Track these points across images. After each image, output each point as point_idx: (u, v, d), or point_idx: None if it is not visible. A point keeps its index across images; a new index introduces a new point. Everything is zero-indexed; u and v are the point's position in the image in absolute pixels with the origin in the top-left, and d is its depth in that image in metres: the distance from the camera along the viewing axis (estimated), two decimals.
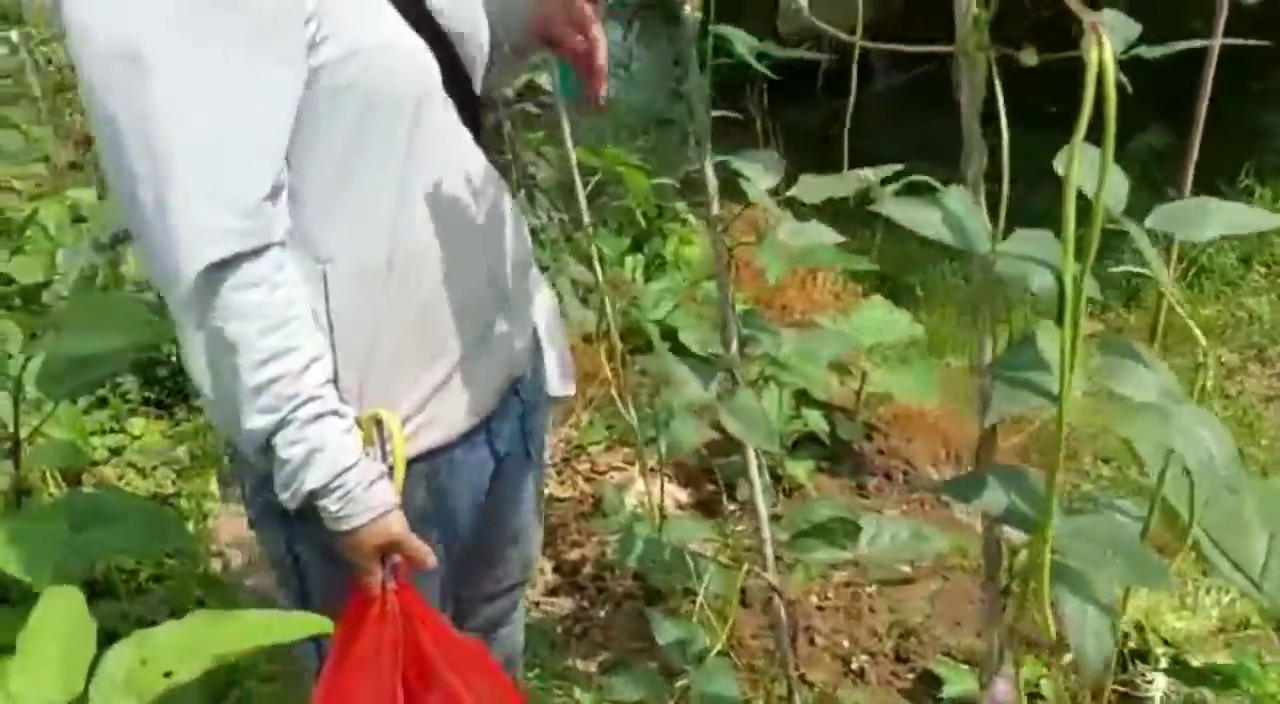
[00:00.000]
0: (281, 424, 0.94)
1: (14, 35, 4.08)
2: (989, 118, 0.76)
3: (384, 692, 1.04)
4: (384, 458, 1.03)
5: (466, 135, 1.11)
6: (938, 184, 0.80)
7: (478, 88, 1.14)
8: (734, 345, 1.36)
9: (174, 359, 2.68)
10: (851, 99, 1.18)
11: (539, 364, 1.29)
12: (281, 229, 0.94)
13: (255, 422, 0.94)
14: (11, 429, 1.45)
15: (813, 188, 1.12)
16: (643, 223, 2.98)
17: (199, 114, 0.87)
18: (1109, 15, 0.80)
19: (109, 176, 0.93)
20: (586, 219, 1.99)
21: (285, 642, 1.03)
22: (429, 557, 1.05)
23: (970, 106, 0.83)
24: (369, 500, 0.98)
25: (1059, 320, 0.71)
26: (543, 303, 1.30)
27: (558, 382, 1.31)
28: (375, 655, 1.04)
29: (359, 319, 1.01)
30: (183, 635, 1.03)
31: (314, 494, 0.96)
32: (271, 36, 0.89)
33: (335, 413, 0.97)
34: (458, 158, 1.09)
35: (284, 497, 0.97)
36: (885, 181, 0.93)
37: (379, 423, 1.02)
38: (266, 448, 0.96)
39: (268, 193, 0.92)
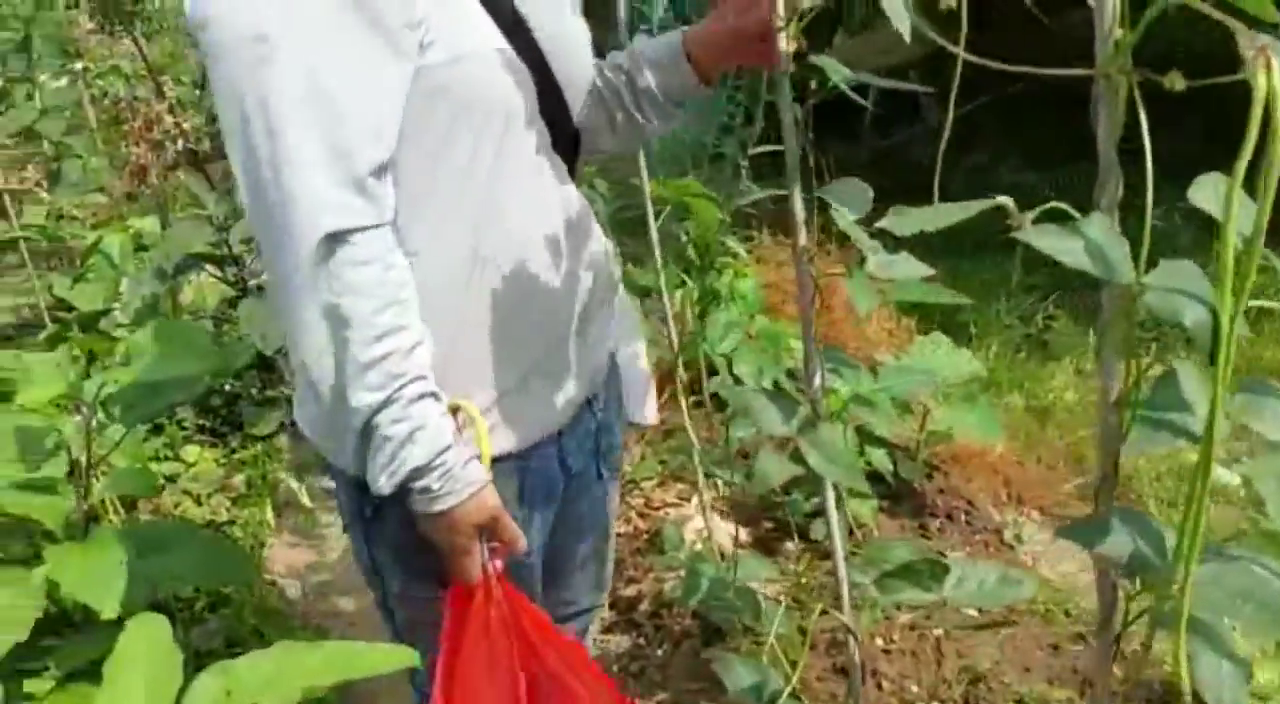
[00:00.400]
0: (387, 401, 0.95)
1: (77, 66, 4.14)
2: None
3: (503, 675, 1.01)
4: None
5: (554, 154, 1.11)
6: (1073, 211, 0.77)
7: (574, 114, 1.14)
8: (817, 379, 1.33)
9: (228, 388, 2.69)
10: (946, 132, 1.14)
11: (618, 387, 1.29)
12: (392, 210, 0.97)
13: (362, 398, 0.95)
14: (82, 455, 1.44)
15: (907, 221, 1.09)
16: (694, 256, 2.96)
17: (318, 95, 0.91)
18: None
19: (232, 162, 0.96)
20: (658, 251, 1.98)
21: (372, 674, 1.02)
22: (521, 538, 1.05)
23: (1107, 133, 0.80)
24: (467, 477, 0.99)
25: (1211, 359, 0.68)
26: (627, 327, 1.31)
27: (639, 407, 1.30)
28: (487, 639, 1.03)
29: (438, 314, 1.02)
30: (268, 667, 1.01)
31: (416, 472, 0.96)
32: (386, 33, 0.93)
33: (435, 395, 0.99)
34: (545, 176, 1.10)
35: (381, 480, 0.97)
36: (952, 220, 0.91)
37: (456, 411, 1.02)
38: (366, 428, 0.96)
39: (380, 173, 0.95)
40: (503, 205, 1.04)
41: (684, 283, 3.05)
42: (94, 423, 1.39)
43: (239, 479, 2.41)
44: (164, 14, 8.19)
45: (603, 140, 1.23)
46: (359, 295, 0.94)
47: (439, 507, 0.98)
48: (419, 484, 0.97)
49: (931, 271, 1.25)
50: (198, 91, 5.39)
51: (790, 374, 2.58)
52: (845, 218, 1.14)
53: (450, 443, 0.98)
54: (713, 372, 2.53)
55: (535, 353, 1.11)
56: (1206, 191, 0.77)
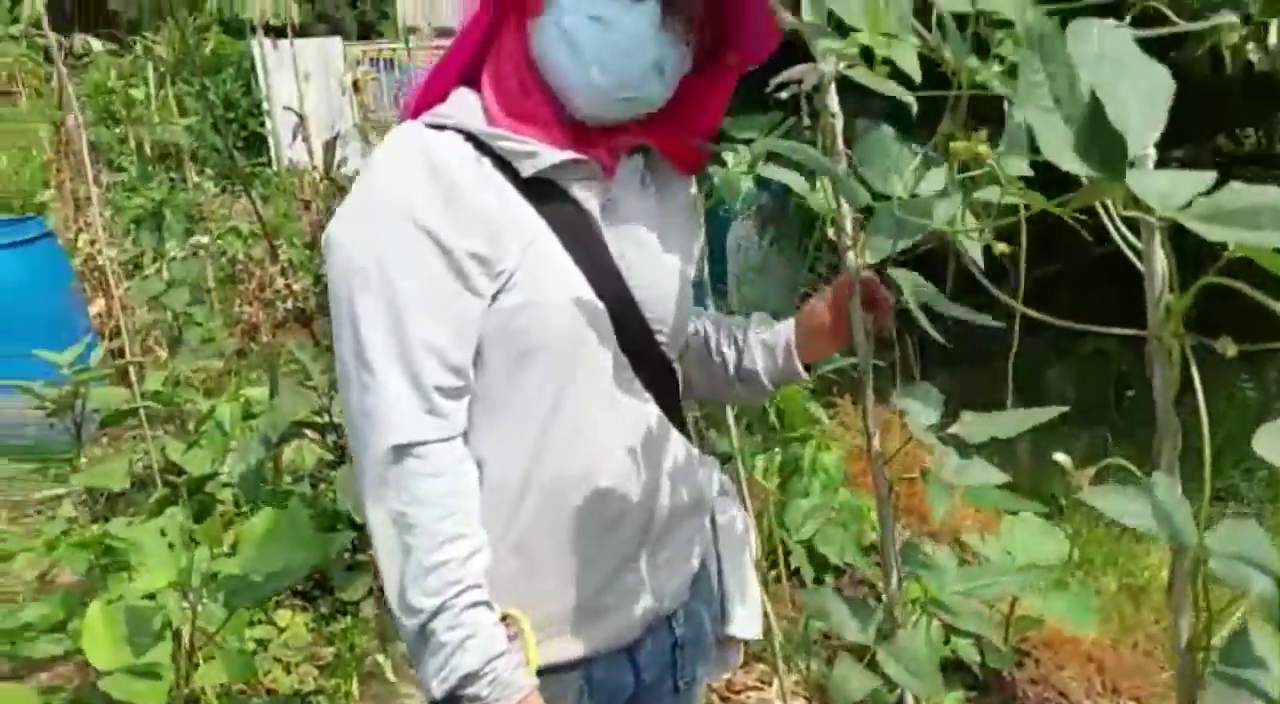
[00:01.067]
0: (443, 607, 1.01)
1: (203, 239, 4.46)
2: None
3: None
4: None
5: (636, 384, 1.16)
6: (1134, 469, 0.80)
7: (665, 342, 1.20)
8: (894, 581, 1.33)
9: None
10: (1019, 310, 1.18)
11: (711, 599, 1.31)
12: (462, 425, 1.06)
13: (420, 601, 1.02)
14: (185, 638, 1.51)
15: (978, 427, 1.12)
16: (776, 424, 2.99)
17: (397, 326, 1.02)
18: None
19: (338, 364, 1.08)
20: (734, 426, 2.01)
21: None
22: None
23: (1163, 393, 0.84)
24: (516, 682, 1.02)
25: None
26: (733, 539, 1.33)
27: (741, 622, 1.32)
28: None
29: (498, 525, 1.08)
30: None
31: (467, 678, 1.01)
32: (465, 274, 1.04)
33: (488, 604, 1.04)
34: (616, 408, 1.14)
35: (434, 684, 1.02)
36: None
37: (505, 619, 1.06)
38: (423, 630, 1.02)
39: (454, 393, 1.05)
40: (563, 432, 1.10)
41: (767, 450, 3.08)
42: (199, 608, 1.47)
43: (327, 649, 2.46)
44: (281, 177, 8.80)
45: (694, 389, 1.31)
46: (424, 505, 1.02)
47: None
48: (469, 691, 1.01)
49: (1005, 478, 1.27)
50: (308, 252, 5.75)
51: (873, 547, 2.56)
52: (918, 425, 1.18)
53: (502, 650, 1.03)
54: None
55: (597, 574, 1.14)
56: (1270, 443, 0.79)
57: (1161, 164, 0.77)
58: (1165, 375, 0.83)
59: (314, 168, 6.49)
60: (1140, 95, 0.71)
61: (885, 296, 1.13)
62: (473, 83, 1.11)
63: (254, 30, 9.95)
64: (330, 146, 5.85)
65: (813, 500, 2.35)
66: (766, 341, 1.27)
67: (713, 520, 1.34)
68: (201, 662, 1.83)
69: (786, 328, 1.26)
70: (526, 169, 1.06)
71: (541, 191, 1.08)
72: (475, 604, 1.02)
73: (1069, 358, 4.13)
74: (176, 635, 1.62)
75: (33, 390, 2.60)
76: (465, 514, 1.05)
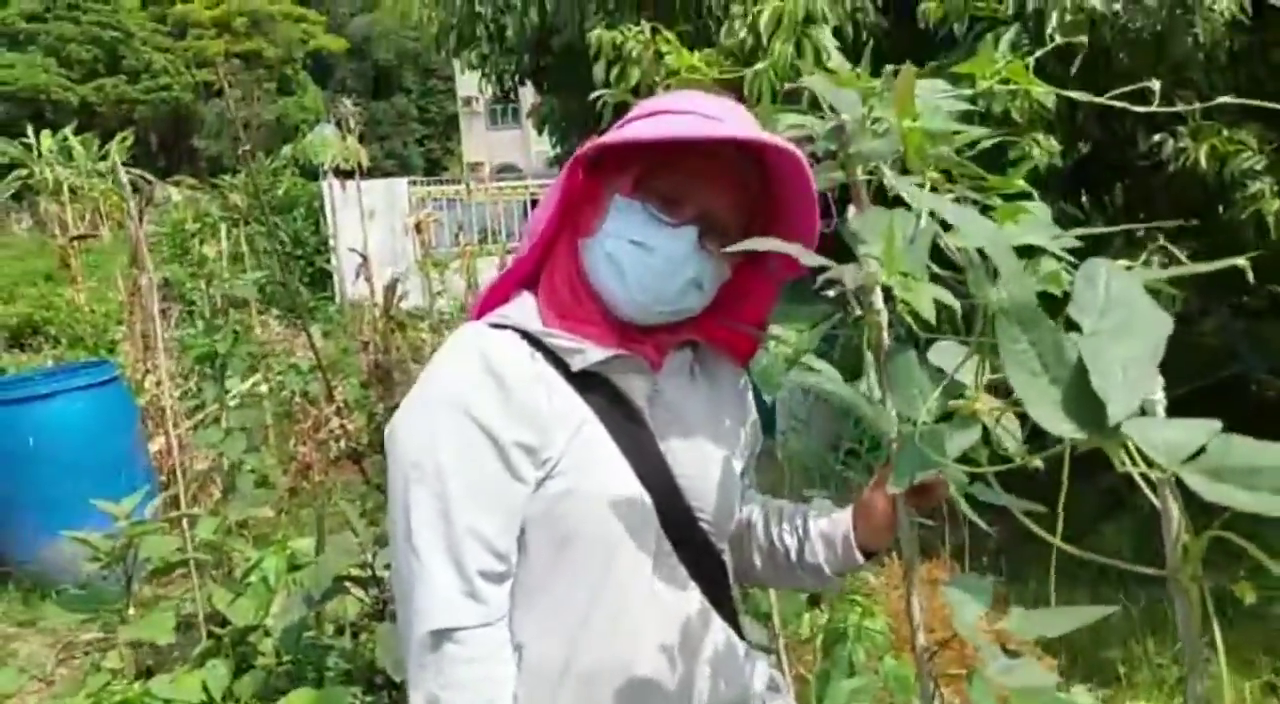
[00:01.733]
0: None
1: (263, 387, 4.60)
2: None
3: None
4: None
5: (679, 572, 1.17)
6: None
7: (711, 531, 1.21)
8: None
9: None
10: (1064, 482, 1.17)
11: None
12: (502, 611, 1.10)
13: None
14: None
15: (1028, 624, 1.11)
16: None
17: (443, 515, 1.08)
18: None
19: (390, 541, 1.13)
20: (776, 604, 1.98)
21: None
22: None
23: (1187, 629, 0.83)
24: None
25: None
26: None
27: None
28: None
29: None
30: None
31: None
32: (513, 463, 1.09)
33: None
34: (659, 593, 1.15)
35: None
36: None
37: None
38: None
39: (496, 577, 1.09)
40: (602, 618, 1.12)
41: (812, 609, 3.02)
42: None
43: None
44: (343, 313, 9.10)
45: (756, 574, 1.32)
46: (459, 689, 1.06)
47: None
48: None
49: (1055, 681, 1.24)
50: (364, 391, 5.89)
51: None
52: (963, 619, 1.16)
53: None
54: None
55: None
56: None
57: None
58: (1188, 613, 0.83)
59: (374, 306, 6.72)
60: (1131, 356, 0.73)
61: (935, 482, 1.13)
62: (533, 288, 1.20)
63: (325, 173, 10.49)
64: (391, 287, 6.06)
65: (856, 681, 2.29)
66: (826, 533, 1.26)
67: None
68: None
69: (845, 519, 1.26)
70: (576, 363, 1.12)
71: (590, 384, 1.14)
72: None
73: (1125, 511, 4.03)
74: None
75: (88, 542, 2.67)
76: (499, 701, 1.07)
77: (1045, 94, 2.57)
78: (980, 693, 1.37)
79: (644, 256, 1.12)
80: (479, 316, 1.20)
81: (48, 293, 10.98)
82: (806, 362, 1.69)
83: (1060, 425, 0.75)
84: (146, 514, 2.80)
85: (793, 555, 1.29)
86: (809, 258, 0.94)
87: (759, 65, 2.83)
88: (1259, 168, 2.74)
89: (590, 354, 1.12)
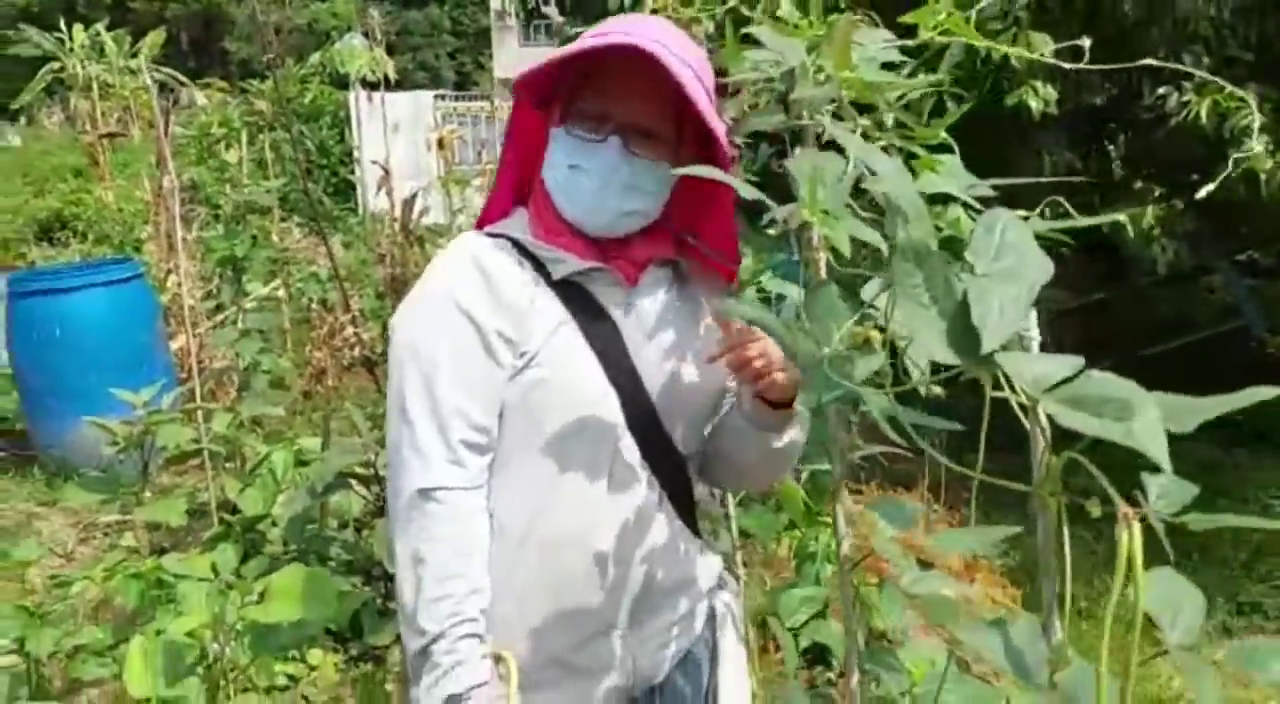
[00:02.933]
0: (441, 635, 1.18)
1: (280, 291, 4.73)
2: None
3: None
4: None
5: (640, 468, 1.28)
6: (1012, 612, 0.91)
7: (675, 433, 1.32)
8: (854, 681, 1.42)
9: None
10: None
11: (699, 684, 1.41)
12: (481, 477, 1.24)
13: (425, 624, 1.18)
14: (218, 673, 1.67)
15: (945, 540, 1.23)
16: (805, 507, 3.07)
17: (429, 390, 1.22)
18: (1159, 485, 0.92)
19: (386, 422, 1.28)
20: (733, 524, 2.11)
21: None
22: None
23: (1045, 543, 0.95)
24: None
25: None
26: (727, 630, 1.44)
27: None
28: None
29: (499, 571, 1.24)
30: None
31: (452, 699, 1.17)
32: (492, 348, 1.24)
33: (480, 637, 1.20)
34: (617, 481, 1.27)
35: (424, 698, 1.18)
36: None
37: (499, 659, 1.21)
38: (423, 651, 1.18)
39: (476, 449, 1.23)
40: (564, 502, 1.25)
41: (789, 530, 3.17)
42: (227, 650, 1.63)
43: (349, 694, 2.61)
44: (364, 225, 9.19)
45: (738, 475, 1.44)
46: (437, 542, 1.20)
47: None
48: None
49: (955, 589, 1.36)
50: (380, 301, 6.02)
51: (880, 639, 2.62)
52: (882, 535, 1.29)
53: (484, 680, 1.18)
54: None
55: (575, 633, 1.27)
56: None
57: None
58: (1046, 526, 0.95)
59: (394, 219, 6.82)
60: (1010, 296, 0.84)
61: (751, 359, 1.19)
62: (528, 205, 1.34)
63: (353, 83, 10.50)
64: (409, 202, 6.14)
65: (808, 590, 2.42)
66: (738, 393, 1.36)
67: (712, 610, 1.45)
68: (233, 695, 2.00)
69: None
70: (557, 272, 1.27)
71: (570, 292, 1.28)
72: (468, 635, 1.18)
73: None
74: (208, 671, 1.78)
75: (106, 426, 2.83)
76: (471, 557, 1.21)
77: (1043, 41, 2.62)
78: (889, 601, 1.50)
79: (580, 177, 1.25)
80: (480, 228, 1.35)
81: (77, 189, 11.14)
82: (772, 285, 1.79)
83: (941, 352, 0.85)
84: (164, 405, 2.95)
85: (725, 422, 1.39)
86: (747, 190, 1.03)
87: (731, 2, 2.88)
88: (1256, 126, 2.79)
89: (569, 264, 1.26)
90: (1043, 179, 1.11)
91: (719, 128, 1.21)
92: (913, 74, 1.40)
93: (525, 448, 1.26)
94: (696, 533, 1.40)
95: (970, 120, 1.23)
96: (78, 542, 3.89)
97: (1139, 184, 3.32)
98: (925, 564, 1.32)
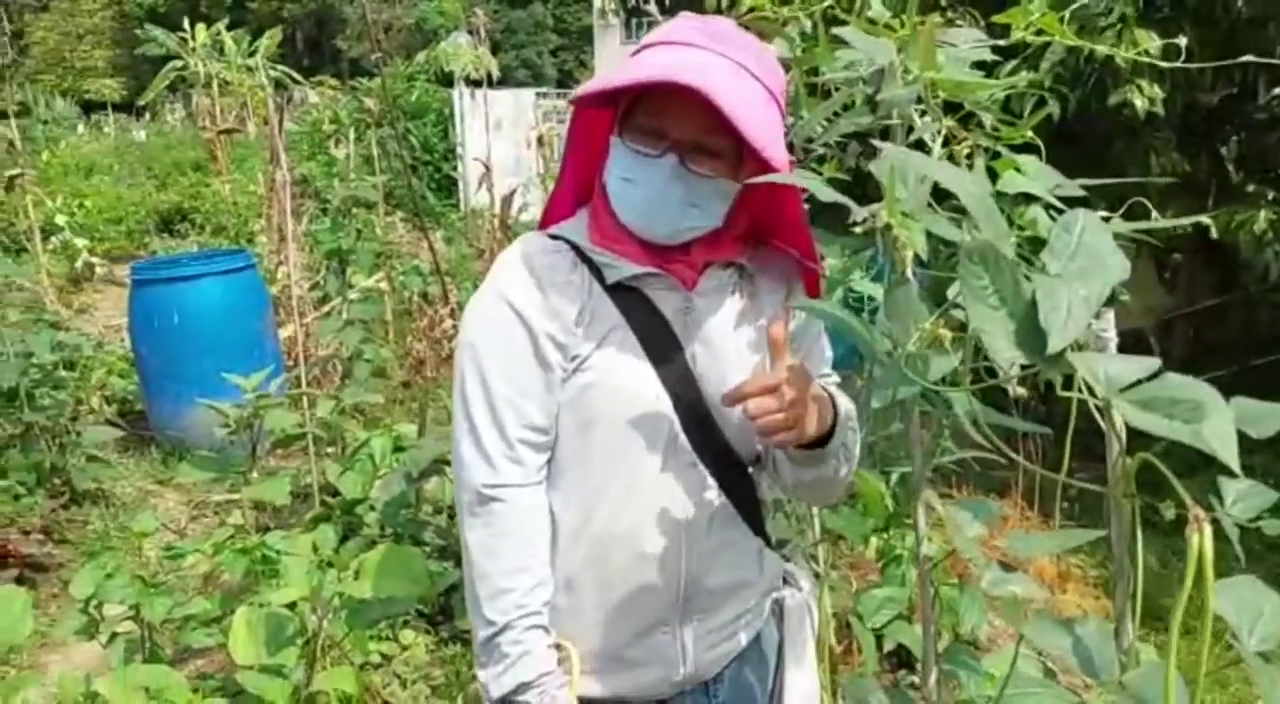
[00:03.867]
0: (508, 625, 1.23)
1: (383, 284, 4.89)
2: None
3: None
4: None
5: (697, 468, 1.30)
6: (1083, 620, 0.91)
7: (732, 434, 1.33)
8: (931, 680, 1.42)
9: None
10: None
11: (764, 676, 1.44)
12: (540, 474, 1.28)
13: (491, 615, 1.24)
14: (315, 644, 1.75)
15: (1020, 543, 1.23)
16: (890, 506, 3.05)
17: (487, 387, 1.27)
18: (1236, 490, 0.91)
19: (452, 415, 1.33)
20: (818, 534, 2.12)
21: None
22: None
23: (1120, 543, 0.95)
24: (560, 698, 1.23)
25: None
26: (795, 625, 1.45)
27: (794, 701, 1.43)
28: None
29: (558, 565, 1.29)
30: None
31: (521, 686, 1.22)
32: (543, 350, 1.27)
33: (545, 629, 1.25)
34: (671, 481, 1.29)
35: (492, 686, 1.24)
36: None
37: (560, 647, 1.26)
38: (489, 642, 1.24)
39: (534, 446, 1.27)
40: (614, 500, 1.28)
41: (880, 529, 3.15)
42: (325, 622, 1.71)
43: (441, 671, 2.70)
44: (465, 218, 9.41)
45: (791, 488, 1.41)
46: (504, 536, 1.25)
47: None
48: (520, 698, 1.22)
49: (1042, 597, 1.35)
50: None
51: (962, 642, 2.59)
52: (963, 535, 1.29)
53: (551, 669, 1.23)
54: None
55: (629, 627, 1.30)
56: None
57: None
58: (1120, 528, 0.94)
59: (493, 215, 6.97)
60: (1080, 296, 0.84)
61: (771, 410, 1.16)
62: (589, 207, 1.36)
63: (457, 81, 10.74)
64: (508, 198, 6.27)
65: (890, 590, 2.41)
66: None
67: (780, 608, 1.47)
68: (329, 666, 2.09)
69: None
70: (611, 277, 1.28)
71: (625, 296, 1.29)
72: (533, 627, 1.23)
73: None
74: (306, 643, 1.87)
75: (218, 409, 2.98)
76: (535, 550, 1.26)
77: (1148, 39, 2.55)
78: (968, 601, 1.49)
79: (633, 190, 1.26)
80: (543, 228, 1.37)
81: (196, 182, 11.66)
82: (861, 286, 1.79)
83: (1009, 352, 0.86)
84: (271, 391, 3.09)
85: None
86: (827, 193, 1.05)
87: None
88: None
89: (624, 269, 1.28)
90: (1126, 180, 1.10)
91: (772, 151, 1.18)
92: (1013, 72, 1.39)
93: (579, 447, 1.29)
94: (759, 532, 1.40)
95: (1080, 118, 1.22)
96: (190, 518, 4.10)
97: (1252, 187, 3.19)
98: (1011, 569, 1.32)
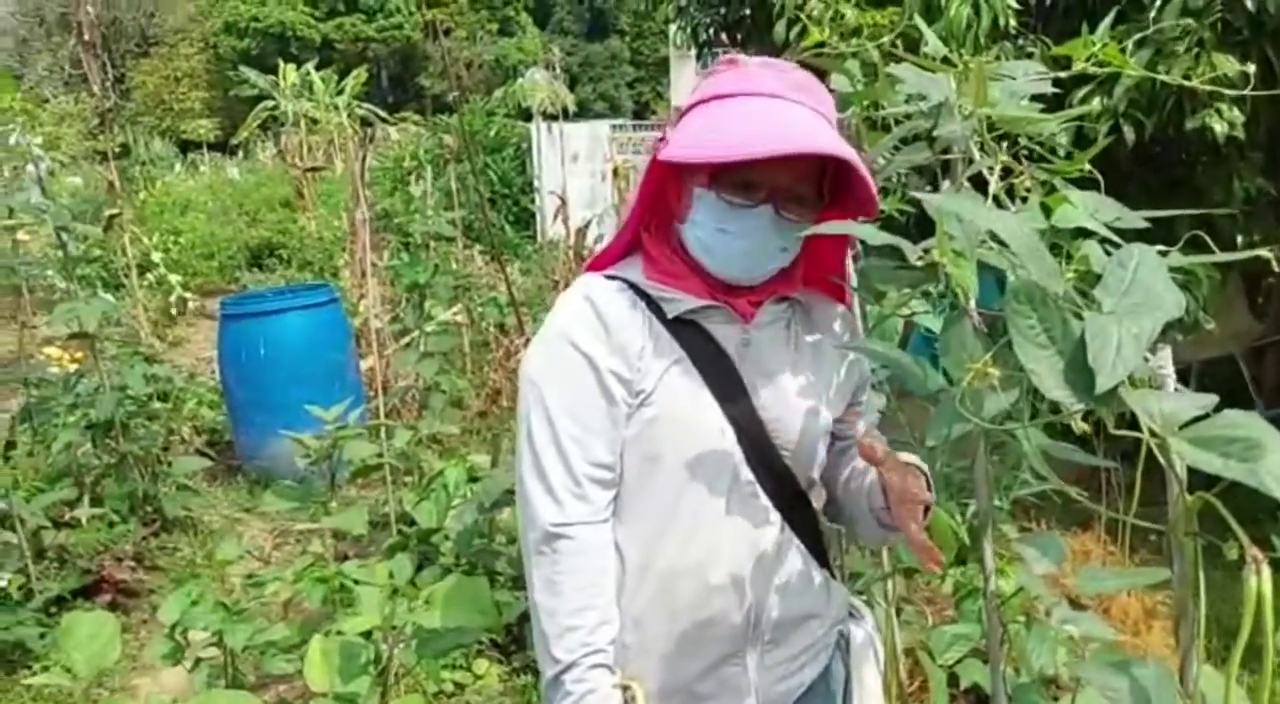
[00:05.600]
0: (573, 664, 1.23)
1: (460, 317, 4.98)
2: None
3: None
4: None
5: (760, 500, 1.32)
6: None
7: (792, 464, 1.35)
8: None
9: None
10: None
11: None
12: (607, 512, 1.29)
13: (557, 653, 1.24)
14: (388, 671, 1.79)
15: (1086, 581, 1.21)
16: (966, 539, 2.99)
17: (552, 425, 1.28)
18: None
19: (517, 453, 1.34)
20: (887, 567, 2.10)
21: None
22: None
23: (1182, 582, 0.93)
24: None
25: None
26: (862, 658, 1.46)
27: None
28: None
29: (621, 602, 1.30)
30: None
31: None
32: (608, 387, 1.28)
33: (609, 668, 1.25)
34: (736, 514, 1.31)
35: None
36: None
37: (626, 689, 1.26)
38: (555, 680, 1.25)
39: (600, 484, 1.28)
40: (680, 535, 1.29)
41: (960, 563, 3.09)
42: (396, 651, 1.75)
43: (513, 700, 2.72)
44: (541, 250, 9.53)
45: (837, 515, 1.45)
46: (570, 574, 1.25)
47: None
48: None
49: (1115, 637, 1.32)
50: None
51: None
52: (1030, 572, 1.27)
53: None
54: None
55: (698, 661, 1.31)
56: None
57: None
58: (1182, 566, 0.92)
59: (568, 247, 7.06)
60: (1130, 334, 0.83)
61: (915, 493, 1.20)
62: (639, 253, 1.39)
63: (535, 115, 10.94)
64: (582, 230, 6.36)
65: (962, 628, 2.36)
66: (866, 505, 1.35)
67: (847, 640, 1.47)
68: (401, 694, 2.13)
69: (878, 494, 1.31)
70: (671, 311, 1.31)
71: (685, 330, 1.31)
72: (598, 665, 1.24)
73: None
74: (380, 672, 1.91)
75: (301, 440, 3.07)
76: (600, 588, 1.27)
77: (1226, 63, 2.49)
78: (1036, 639, 1.46)
79: (731, 240, 1.28)
80: (595, 270, 1.39)
81: (284, 218, 12.04)
82: (924, 321, 1.78)
83: (1058, 392, 0.85)
84: (352, 421, 3.17)
85: (847, 512, 1.41)
86: (876, 236, 1.06)
87: (936, 25, 2.85)
88: None
89: (684, 303, 1.31)
90: (1187, 211, 1.08)
91: (870, 180, 1.21)
92: (1085, 99, 1.38)
93: (644, 481, 1.30)
94: (824, 564, 1.41)
95: (1158, 141, 1.21)
96: (273, 546, 4.21)
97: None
98: (1081, 607, 1.29)
